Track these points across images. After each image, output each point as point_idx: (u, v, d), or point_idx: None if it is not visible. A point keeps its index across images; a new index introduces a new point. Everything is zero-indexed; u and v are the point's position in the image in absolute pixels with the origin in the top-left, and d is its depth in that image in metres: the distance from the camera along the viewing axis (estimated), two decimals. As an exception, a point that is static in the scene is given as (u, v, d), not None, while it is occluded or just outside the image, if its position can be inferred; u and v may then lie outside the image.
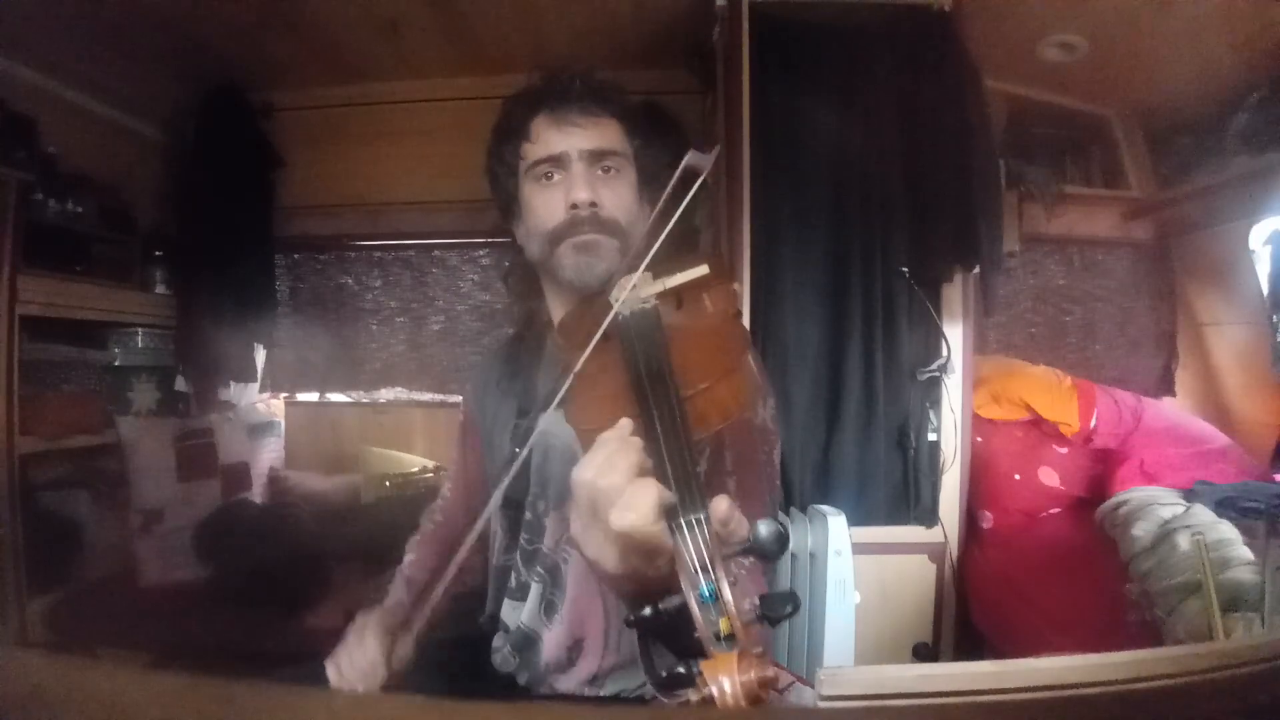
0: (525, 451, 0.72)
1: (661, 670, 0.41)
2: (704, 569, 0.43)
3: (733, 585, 0.42)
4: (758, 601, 0.43)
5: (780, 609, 0.42)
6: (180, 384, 2.26)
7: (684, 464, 0.48)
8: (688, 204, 0.72)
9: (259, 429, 2.37)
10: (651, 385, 0.56)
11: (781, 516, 1.50)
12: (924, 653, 1.61)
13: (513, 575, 0.88)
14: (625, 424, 0.52)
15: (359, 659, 0.78)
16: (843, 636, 1.40)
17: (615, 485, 0.47)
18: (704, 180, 0.73)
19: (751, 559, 0.71)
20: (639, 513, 0.45)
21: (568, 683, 0.82)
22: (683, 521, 0.45)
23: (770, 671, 0.38)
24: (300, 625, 1.67)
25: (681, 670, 0.40)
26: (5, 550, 1.67)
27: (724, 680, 0.37)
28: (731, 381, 0.57)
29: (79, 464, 1.94)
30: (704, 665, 0.39)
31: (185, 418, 2.21)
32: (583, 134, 0.83)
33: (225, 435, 2.17)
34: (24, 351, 1.76)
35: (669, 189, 0.73)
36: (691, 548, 0.44)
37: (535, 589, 0.84)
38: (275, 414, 2.51)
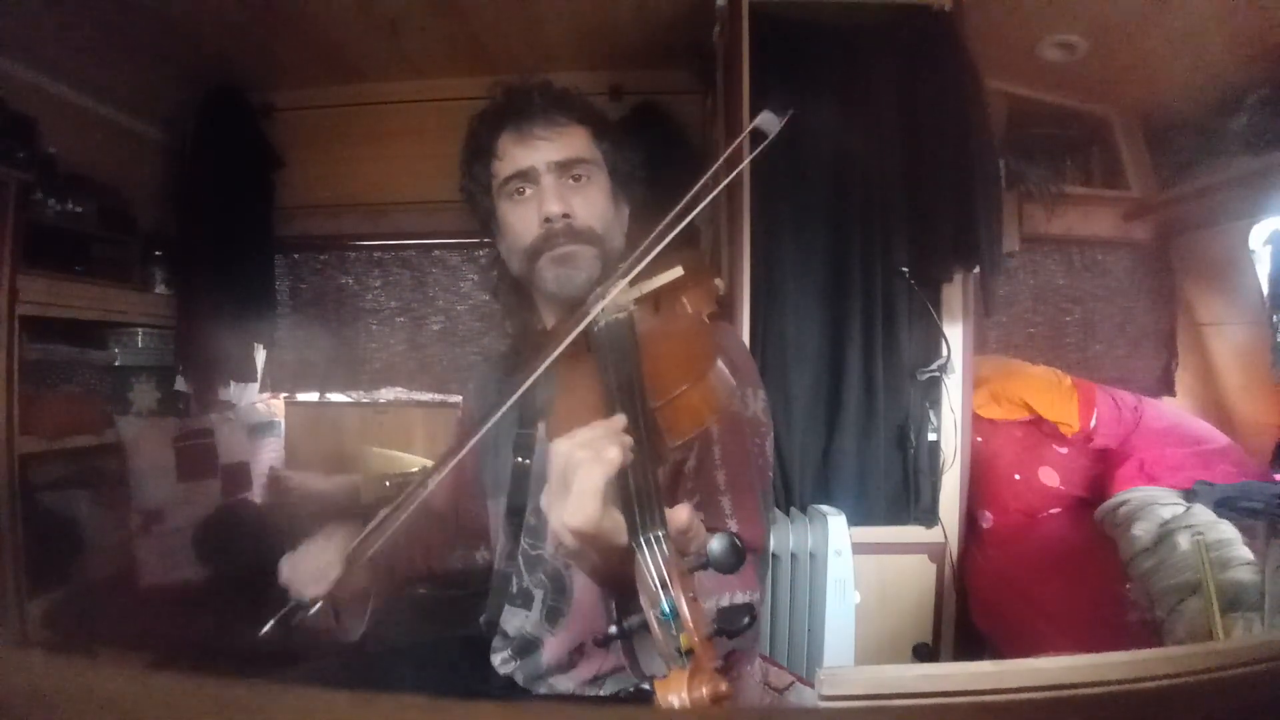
0: (527, 459, 0.71)
1: (648, 672, 0.42)
2: (664, 586, 0.43)
3: (692, 600, 0.43)
4: (716, 615, 0.43)
5: (737, 622, 0.43)
6: (180, 384, 2.26)
7: (647, 480, 0.49)
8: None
9: (259, 429, 2.37)
10: (621, 398, 0.56)
11: (778, 515, 1.50)
12: (924, 653, 1.61)
13: (514, 581, 0.88)
14: (620, 418, 0.52)
15: (316, 558, 0.74)
16: (843, 636, 1.41)
17: (585, 461, 0.47)
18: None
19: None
20: (584, 515, 0.46)
21: (568, 683, 0.82)
22: (642, 539, 0.45)
23: (724, 687, 0.39)
24: (300, 625, 1.67)
25: (646, 687, 0.40)
26: (5, 550, 1.66)
27: (673, 699, 0.38)
28: (702, 387, 0.57)
29: (79, 464, 1.94)
30: (657, 684, 0.39)
31: (185, 418, 2.20)
32: (549, 146, 0.83)
33: (225, 435, 2.17)
34: (24, 351, 1.76)
35: (729, 150, 0.71)
36: (651, 565, 0.44)
37: (538, 595, 0.84)
38: (275, 414, 2.51)
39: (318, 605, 0.72)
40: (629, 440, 0.50)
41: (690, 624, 0.41)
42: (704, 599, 0.45)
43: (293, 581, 0.74)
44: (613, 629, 0.46)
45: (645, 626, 0.44)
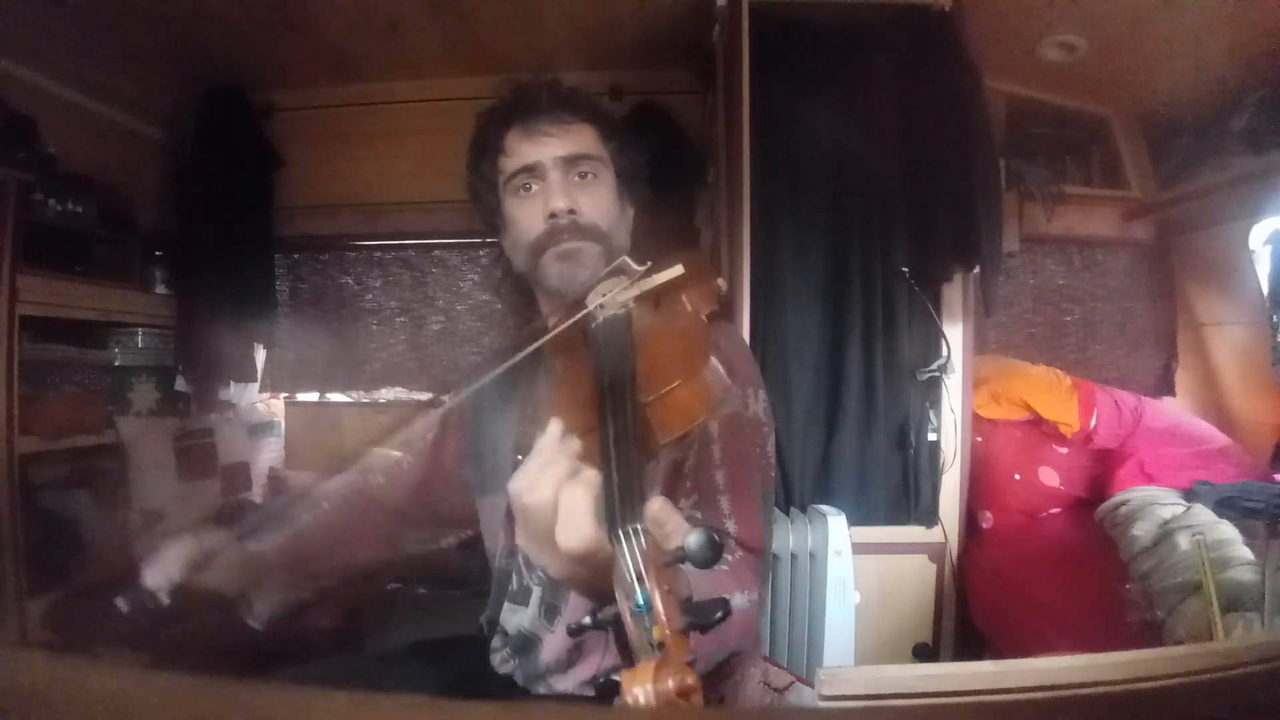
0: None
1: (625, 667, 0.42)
2: (639, 579, 0.43)
3: (667, 594, 0.43)
4: (688, 610, 0.43)
5: (709, 616, 0.43)
6: (180, 384, 2.26)
7: (629, 474, 0.49)
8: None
9: (259, 429, 2.37)
10: (612, 393, 0.56)
11: (778, 514, 1.50)
12: (924, 653, 1.61)
13: (514, 578, 0.88)
14: (554, 427, 0.52)
15: (163, 556, 0.78)
16: (843, 636, 1.41)
17: (542, 501, 0.48)
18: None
19: (739, 556, 0.72)
20: (578, 536, 0.46)
21: (566, 683, 0.82)
22: (620, 532, 0.46)
23: (692, 680, 0.38)
24: (300, 625, 1.67)
25: (616, 679, 0.40)
26: (5, 550, 1.66)
27: (638, 690, 0.38)
28: (694, 383, 0.57)
29: (79, 464, 1.94)
30: (624, 674, 0.39)
31: (185, 418, 2.20)
32: (556, 142, 0.83)
33: (225, 435, 2.17)
34: (24, 351, 1.76)
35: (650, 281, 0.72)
36: (628, 558, 0.44)
37: (536, 592, 0.84)
38: (275, 414, 2.51)
39: (163, 595, 0.76)
40: (577, 445, 0.51)
41: (663, 617, 0.41)
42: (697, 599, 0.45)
43: (145, 571, 0.78)
44: (586, 619, 0.46)
45: (619, 618, 0.44)
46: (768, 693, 0.98)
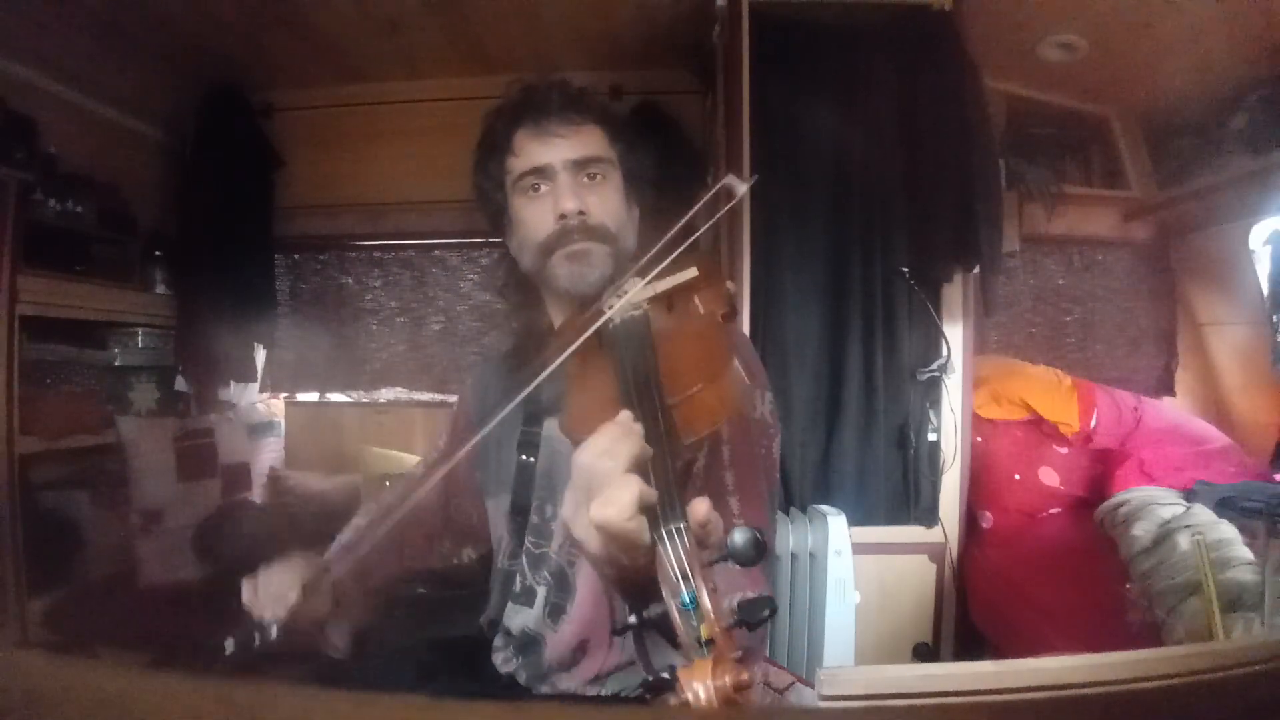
0: (532, 458, 0.72)
1: (656, 668, 0.42)
2: (684, 577, 0.44)
3: (712, 592, 0.43)
4: (736, 606, 0.44)
5: (758, 613, 0.43)
6: (180, 384, 2.26)
7: (667, 475, 0.49)
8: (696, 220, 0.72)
9: (259, 429, 2.38)
10: (638, 394, 0.56)
11: (780, 516, 1.50)
12: (924, 653, 1.61)
13: (518, 579, 0.88)
14: (626, 415, 0.53)
15: (274, 583, 0.76)
16: (843, 636, 1.41)
17: (611, 470, 0.49)
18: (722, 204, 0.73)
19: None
20: (617, 508, 0.47)
21: (569, 682, 0.82)
22: (664, 531, 0.46)
23: (746, 676, 0.39)
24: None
25: (665, 675, 0.41)
26: (5, 550, 1.66)
27: (698, 686, 0.39)
28: (718, 386, 0.58)
29: (79, 464, 1.94)
30: (680, 671, 0.40)
31: (185, 418, 2.21)
32: (565, 144, 0.83)
33: (225, 435, 2.18)
34: (24, 351, 1.76)
35: (700, 203, 0.73)
36: (672, 557, 0.45)
37: (541, 593, 0.84)
38: (275, 414, 2.51)
39: (275, 628, 0.74)
40: (640, 429, 0.51)
41: (711, 614, 0.42)
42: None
43: (253, 604, 0.75)
44: (632, 618, 0.47)
45: (665, 616, 0.44)
46: (768, 693, 0.98)
